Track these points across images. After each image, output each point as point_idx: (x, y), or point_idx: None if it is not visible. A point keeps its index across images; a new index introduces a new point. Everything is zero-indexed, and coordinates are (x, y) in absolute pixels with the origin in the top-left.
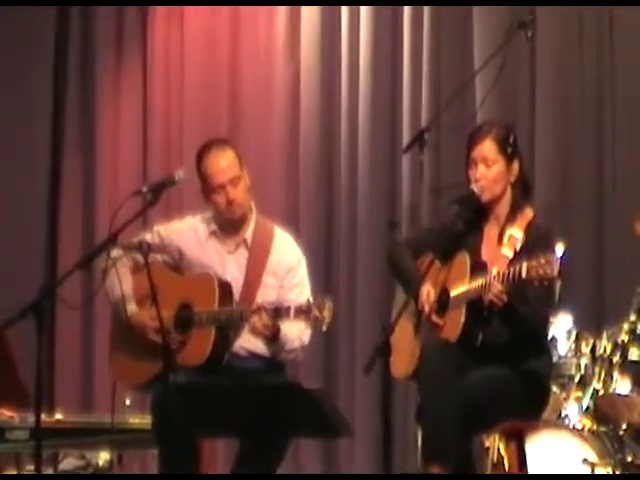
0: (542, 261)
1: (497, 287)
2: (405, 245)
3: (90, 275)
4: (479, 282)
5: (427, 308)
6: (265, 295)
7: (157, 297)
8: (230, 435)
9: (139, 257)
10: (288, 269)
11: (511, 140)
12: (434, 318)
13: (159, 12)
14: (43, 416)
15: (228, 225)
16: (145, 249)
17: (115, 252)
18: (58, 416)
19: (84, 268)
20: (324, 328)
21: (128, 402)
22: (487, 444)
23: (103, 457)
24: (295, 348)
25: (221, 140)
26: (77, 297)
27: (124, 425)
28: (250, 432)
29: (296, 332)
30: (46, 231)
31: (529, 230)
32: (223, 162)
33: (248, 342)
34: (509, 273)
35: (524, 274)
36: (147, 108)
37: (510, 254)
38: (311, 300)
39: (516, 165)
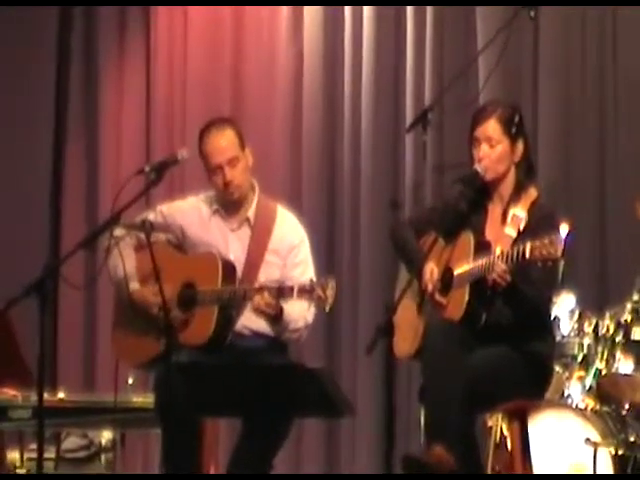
0: (546, 241)
1: (501, 267)
2: (408, 224)
3: (93, 255)
4: (483, 261)
5: (430, 286)
6: (268, 273)
7: (160, 275)
8: (233, 414)
9: (142, 236)
10: (291, 247)
11: (516, 120)
12: (437, 297)
13: None
14: (46, 395)
15: (230, 204)
16: (147, 228)
17: (118, 231)
18: (61, 395)
19: (87, 247)
20: (327, 308)
21: (130, 381)
22: (490, 424)
23: (106, 436)
24: (299, 328)
25: (222, 120)
26: (80, 277)
27: (127, 404)
28: (253, 411)
29: (300, 311)
30: (49, 211)
31: (533, 210)
32: (221, 142)
33: (251, 321)
34: (513, 253)
35: (528, 254)
36: (150, 89)
37: (514, 234)
38: (314, 280)
39: (520, 145)
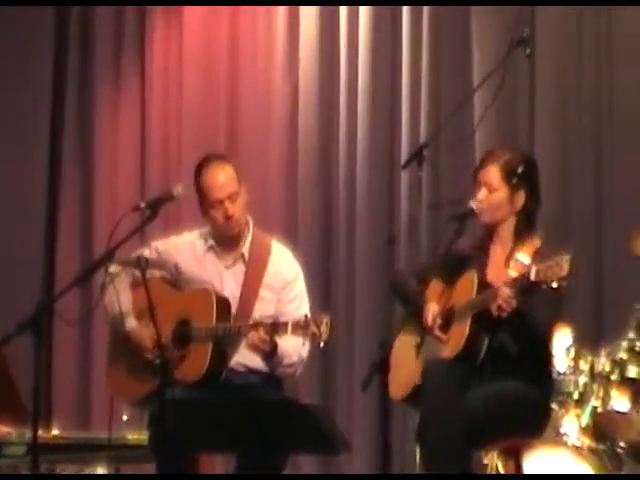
0: (551, 263)
1: (506, 292)
2: (409, 273)
3: (88, 291)
4: (486, 293)
5: (430, 320)
6: (262, 309)
7: (155, 314)
8: (227, 451)
9: (137, 273)
10: (285, 283)
11: (519, 171)
12: (437, 332)
13: (158, 21)
14: (40, 432)
15: (226, 240)
16: (143, 264)
17: (113, 268)
18: (55, 432)
19: (82, 284)
20: (322, 344)
21: (125, 418)
22: (485, 461)
23: (100, 472)
24: (294, 363)
25: (220, 155)
26: (74, 313)
27: (121, 441)
28: (248, 448)
29: (294, 347)
30: (44, 246)
31: (536, 257)
32: (222, 177)
33: (245, 357)
34: (517, 277)
35: (533, 276)
36: (145, 124)
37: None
38: (309, 315)
39: (521, 196)
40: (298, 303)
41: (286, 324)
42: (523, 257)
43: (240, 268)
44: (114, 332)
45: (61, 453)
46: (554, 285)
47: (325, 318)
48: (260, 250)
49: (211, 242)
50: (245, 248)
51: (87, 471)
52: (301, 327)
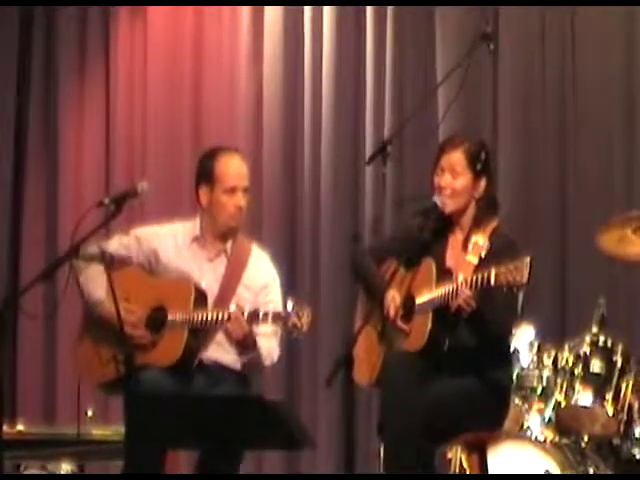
0: (511, 267)
1: (466, 293)
2: (369, 252)
3: (52, 286)
4: (446, 289)
5: (392, 312)
6: (239, 306)
7: (119, 307)
8: (191, 445)
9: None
10: (263, 286)
11: (482, 157)
12: (399, 323)
13: (122, 18)
14: (5, 427)
15: (218, 232)
16: (107, 260)
17: (77, 264)
18: (20, 427)
19: (46, 279)
20: (300, 334)
21: (90, 413)
22: (449, 455)
23: (65, 468)
24: (267, 366)
25: (236, 149)
26: (39, 308)
27: (86, 436)
28: (211, 442)
29: (268, 348)
30: (8, 242)
31: (493, 237)
32: (241, 167)
33: (214, 353)
34: (477, 279)
35: (493, 280)
36: (110, 119)
37: (475, 261)
38: (289, 307)
39: (483, 182)
40: (274, 306)
41: (267, 314)
42: (480, 240)
43: (221, 262)
44: (88, 313)
45: (26, 449)
46: (514, 290)
47: (306, 310)
48: (242, 249)
49: (197, 233)
50: (228, 244)
51: (50, 468)
52: (282, 318)
